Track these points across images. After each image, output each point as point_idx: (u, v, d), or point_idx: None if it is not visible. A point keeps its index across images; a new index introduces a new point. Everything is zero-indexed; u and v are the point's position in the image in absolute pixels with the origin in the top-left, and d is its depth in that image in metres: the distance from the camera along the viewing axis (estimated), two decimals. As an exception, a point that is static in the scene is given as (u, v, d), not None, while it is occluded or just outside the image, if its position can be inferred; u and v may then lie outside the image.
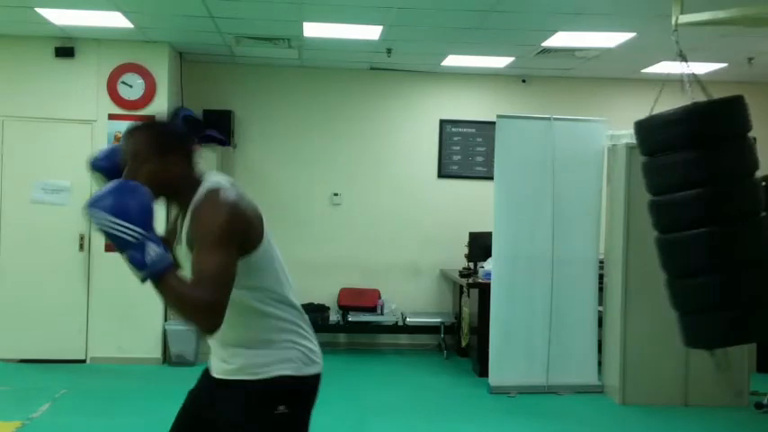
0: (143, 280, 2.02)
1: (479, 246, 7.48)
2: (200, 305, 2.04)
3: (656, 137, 4.30)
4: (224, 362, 2.36)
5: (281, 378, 2.28)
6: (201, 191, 2.25)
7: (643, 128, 4.38)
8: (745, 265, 4.12)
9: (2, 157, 7.22)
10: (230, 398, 2.31)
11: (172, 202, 2.34)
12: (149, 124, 2.33)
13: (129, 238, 2.00)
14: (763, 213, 4.30)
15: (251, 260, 2.23)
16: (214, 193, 2.22)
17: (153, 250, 1.99)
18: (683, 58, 4.38)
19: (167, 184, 2.26)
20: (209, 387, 2.42)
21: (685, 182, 4.16)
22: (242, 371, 2.30)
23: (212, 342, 2.37)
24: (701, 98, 4.26)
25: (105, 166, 2.44)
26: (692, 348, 4.57)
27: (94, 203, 2.04)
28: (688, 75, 4.33)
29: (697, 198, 4.12)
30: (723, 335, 4.24)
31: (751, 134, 8.08)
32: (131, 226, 2.00)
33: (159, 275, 2.00)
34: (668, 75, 4.49)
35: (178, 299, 2.03)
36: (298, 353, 2.32)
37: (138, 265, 1.99)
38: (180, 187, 2.28)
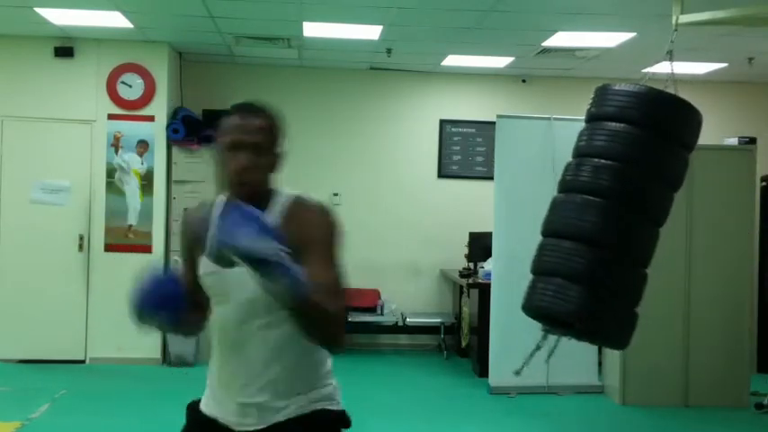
0: (293, 304, 1.82)
1: (479, 246, 7.47)
2: (340, 318, 1.97)
3: (608, 102, 4.05)
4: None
5: None
6: (290, 196, 2.11)
7: (601, 92, 4.20)
8: (619, 256, 3.86)
9: (1, 157, 7.21)
10: None
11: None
12: (275, 113, 2.14)
13: (285, 263, 1.76)
14: (659, 229, 4.06)
15: None
16: (318, 203, 2.11)
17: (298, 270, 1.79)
18: (671, 57, 4.36)
19: (267, 183, 2.08)
20: None
21: (612, 152, 3.90)
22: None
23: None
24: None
25: (159, 303, 2.10)
26: (524, 312, 4.20)
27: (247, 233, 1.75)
28: (669, 74, 4.28)
29: (615, 171, 3.87)
30: (554, 308, 3.90)
31: (751, 134, 8.05)
32: (283, 248, 1.77)
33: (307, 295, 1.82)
34: (670, 75, 4.46)
35: (323, 315, 1.89)
36: None
37: (298, 287, 1.77)
38: (269, 187, 2.11)
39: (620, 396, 6.27)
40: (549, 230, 4.11)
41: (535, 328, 6.58)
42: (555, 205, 4.15)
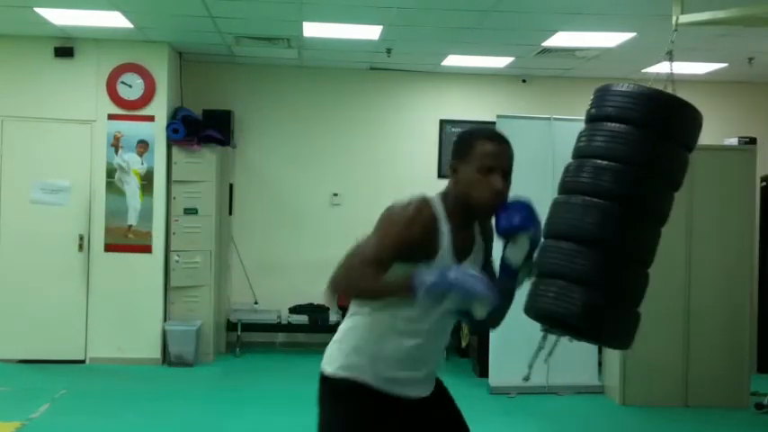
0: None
1: (479, 246, 7.46)
2: None
3: (608, 103, 4.08)
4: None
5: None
6: None
7: (601, 93, 4.19)
8: (621, 257, 3.80)
9: (1, 157, 7.21)
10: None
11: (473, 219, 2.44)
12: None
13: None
14: (661, 228, 4.05)
15: None
16: None
17: None
18: (670, 58, 4.34)
19: None
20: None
21: (612, 153, 3.87)
22: None
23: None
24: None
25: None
26: (526, 314, 4.00)
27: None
28: (668, 75, 4.26)
29: (616, 172, 3.81)
30: (554, 309, 3.84)
31: (751, 134, 8.04)
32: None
33: None
34: (669, 75, 4.45)
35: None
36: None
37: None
38: None
39: (620, 396, 6.27)
40: (551, 232, 4.09)
41: (536, 328, 6.60)
42: (555, 207, 4.14)
